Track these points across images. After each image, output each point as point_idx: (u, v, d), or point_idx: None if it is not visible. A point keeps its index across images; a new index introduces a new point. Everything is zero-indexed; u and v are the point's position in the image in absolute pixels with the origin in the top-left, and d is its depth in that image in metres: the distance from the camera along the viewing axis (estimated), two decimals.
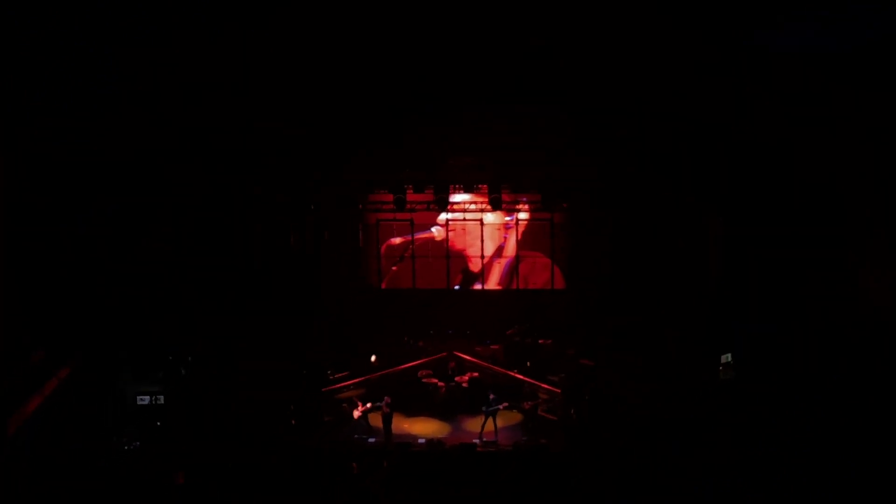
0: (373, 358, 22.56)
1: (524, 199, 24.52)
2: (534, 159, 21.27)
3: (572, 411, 19.42)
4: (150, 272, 18.04)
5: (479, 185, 23.38)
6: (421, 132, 19.76)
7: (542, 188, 22.91)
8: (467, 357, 23.20)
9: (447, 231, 25.50)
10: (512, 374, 22.09)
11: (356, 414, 19.00)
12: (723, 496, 13.50)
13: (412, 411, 20.24)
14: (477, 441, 18.30)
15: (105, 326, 17.55)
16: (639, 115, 18.17)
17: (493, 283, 25.84)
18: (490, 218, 25.23)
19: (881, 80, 14.97)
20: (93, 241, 17.02)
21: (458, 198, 24.37)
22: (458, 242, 25.64)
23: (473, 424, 18.98)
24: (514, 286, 25.64)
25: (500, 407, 18.66)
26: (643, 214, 21.60)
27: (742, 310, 18.92)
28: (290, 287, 21.79)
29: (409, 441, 18.19)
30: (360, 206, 25.16)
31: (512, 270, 25.63)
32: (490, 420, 18.62)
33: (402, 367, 22.59)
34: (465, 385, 21.22)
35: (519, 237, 25.45)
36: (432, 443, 17.98)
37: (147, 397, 18.18)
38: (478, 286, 25.87)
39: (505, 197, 23.02)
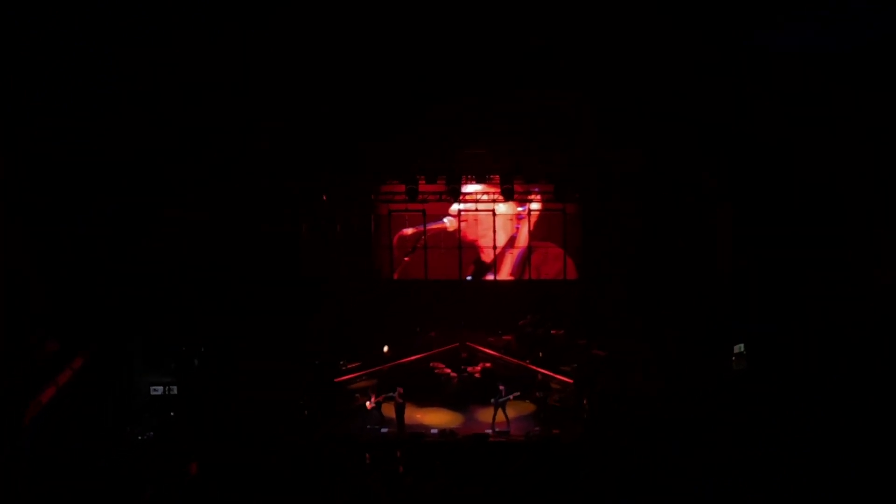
0: (385, 348, 22.60)
1: (536, 189, 24.44)
2: (546, 150, 21.16)
3: (584, 401, 19.38)
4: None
5: (492, 176, 23.30)
6: (433, 122, 19.67)
7: (555, 179, 22.81)
8: (480, 348, 23.21)
9: (459, 221, 25.46)
10: (524, 364, 22.06)
11: (369, 405, 19.05)
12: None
13: (425, 402, 20.32)
14: (489, 431, 18.33)
15: (111, 322, 17.60)
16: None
17: (505, 274, 25.81)
18: (502, 208, 25.17)
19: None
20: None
21: (470, 188, 24.31)
22: (470, 233, 25.61)
23: (486, 415, 19.03)
24: (527, 277, 25.60)
25: (510, 397, 18.68)
26: (654, 207, 21.49)
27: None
28: (300, 278, 21.73)
29: (421, 431, 18.24)
30: (372, 197, 25.13)
31: (524, 261, 25.59)
32: (500, 411, 18.64)
33: (415, 357, 22.61)
34: (477, 376, 21.23)
35: (531, 227, 25.40)
36: (445, 433, 18.02)
37: (160, 387, 18.26)
38: (490, 277, 25.84)
39: (517, 187, 22.96)
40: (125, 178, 17.27)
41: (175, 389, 18.32)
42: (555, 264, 25.37)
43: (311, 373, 20.31)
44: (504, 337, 23.56)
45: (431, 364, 22.14)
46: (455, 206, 25.14)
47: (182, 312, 18.63)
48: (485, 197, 24.75)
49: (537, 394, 19.88)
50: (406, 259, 25.77)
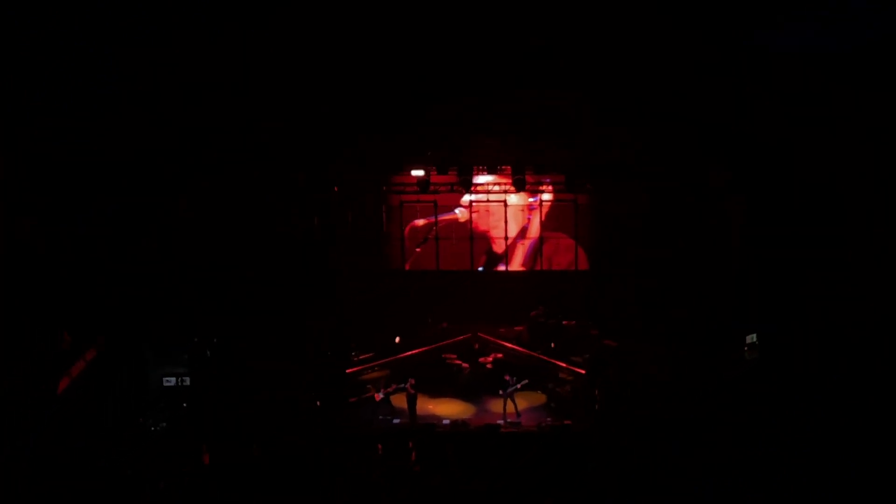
0: (397, 339, 22.64)
1: (548, 180, 24.36)
2: (557, 140, 21.10)
3: (596, 392, 19.36)
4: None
5: (503, 167, 23.24)
6: (444, 114, 19.63)
7: (566, 169, 22.73)
8: (491, 338, 23.21)
9: (471, 212, 25.43)
10: (536, 354, 22.06)
11: (378, 397, 19.10)
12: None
13: (436, 392, 20.33)
14: (501, 422, 18.35)
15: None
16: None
17: (516, 265, 25.78)
18: (514, 199, 25.13)
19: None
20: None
21: (481, 179, 24.26)
22: (481, 224, 25.59)
23: (497, 405, 19.03)
24: (538, 267, 25.57)
25: (518, 386, 18.69)
26: (666, 199, 21.41)
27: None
28: (310, 270, 21.75)
29: (433, 422, 18.28)
30: (384, 188, 25.14)
31: (536, 252, 25.55)
32: (510, 401, 18.65)
33: (427, 348, 22.64)
34: (489, 366, 21.24)
35: (543, 218, 25.35)
36: (457, 424, 18.05)
37: (173, 379, 18.35)
38: (501, 267, 25.83)
39: (528, 178, 22.89)
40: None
41: (188, 381, 18.38)
42: (566, 255, 25.32)
43: (322, 364, 20.36)
44: (516, 327, 23.55)
45: (443, 355, 22.16)
46: (466, 197, 25.11)
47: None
48: (496, 188, 24.70)
49: (548, 384, 19.85)
50: (418, 250, 25.78)
